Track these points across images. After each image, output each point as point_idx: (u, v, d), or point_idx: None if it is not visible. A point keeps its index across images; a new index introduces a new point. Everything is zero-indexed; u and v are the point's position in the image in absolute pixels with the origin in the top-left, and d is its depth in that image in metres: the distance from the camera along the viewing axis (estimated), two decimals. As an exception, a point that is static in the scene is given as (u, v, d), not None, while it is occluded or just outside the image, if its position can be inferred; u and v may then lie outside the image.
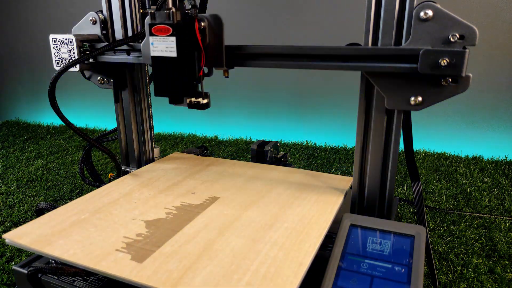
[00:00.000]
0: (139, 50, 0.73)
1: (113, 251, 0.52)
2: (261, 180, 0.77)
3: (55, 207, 0.65)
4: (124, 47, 0.74)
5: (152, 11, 0.63)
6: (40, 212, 0.65)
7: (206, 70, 0.67)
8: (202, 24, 0.64)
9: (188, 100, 0.69)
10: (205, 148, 0.99)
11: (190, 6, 0.63)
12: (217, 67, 0.66)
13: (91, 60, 0.75)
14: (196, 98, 0.69)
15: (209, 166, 0.86)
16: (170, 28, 0.62)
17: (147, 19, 0.65)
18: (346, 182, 0.76)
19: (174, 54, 0.63)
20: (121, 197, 0.69)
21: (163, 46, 0.64)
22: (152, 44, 0.65)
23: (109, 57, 0.76)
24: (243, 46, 0.64)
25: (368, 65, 0.57)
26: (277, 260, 0.50)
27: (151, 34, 0.64)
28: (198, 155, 0.94)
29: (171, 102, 0.69)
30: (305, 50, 0.61)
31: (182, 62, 0.64)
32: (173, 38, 0.62)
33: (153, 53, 0.65)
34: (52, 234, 0.56)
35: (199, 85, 0.69)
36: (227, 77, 0.67)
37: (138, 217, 0.62)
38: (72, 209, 0.64)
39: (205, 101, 0.69)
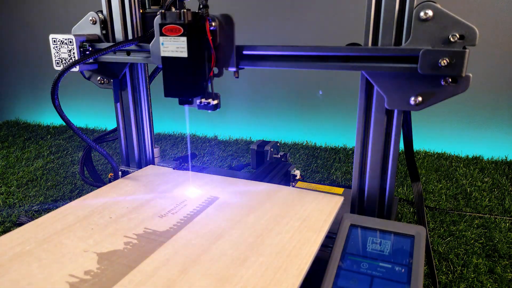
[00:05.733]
0: (147, 51, 0.72)
1: None
2: (240, 201, 0.69)
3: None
4: (133, 47, 0.73)
5: (163, 11, 0.62)
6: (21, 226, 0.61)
7: (216, 70, 0.67)
8: (213, 24, 0.63)
9: (198, 101, 0.69)
10: (191, 156, 0.91)
11: (201, 6, 0.62)
12: (228, 68, 0.66)
13: (90, 60, 0.75)
14: (206, 99, 0.68)
15: (184, 182, 0.77)
16: (181, 28, 0.61)
17: (157, 19, 0.64)
18: (335, 202, 0.67)
19: (184, 55, 0.62)
20: (78, 221, 0.61)
21: (173, 46, 0.63)
22: (162, 44, 0.63)
23: (116, 57, 0.75)
24: (255, 46, 0.63)
25: (368, 65, 0.57)
26: None
27: (161, 34, 0.63)
28: (174, 168, 0.87)
29: (181, 103, 0.68)
30: (308, 50, 0.61)
31: (192, 63, 0.63)
32: (184, 39, 0.61)
33: (163, 54, 0.64)
34: None
35: (209, 85, 0.68)
36: (237, 77, 0.66)
37: (91, 249, 0.54)
38: (17, 238, 0.56)
39: (215, 102, 0.68)
